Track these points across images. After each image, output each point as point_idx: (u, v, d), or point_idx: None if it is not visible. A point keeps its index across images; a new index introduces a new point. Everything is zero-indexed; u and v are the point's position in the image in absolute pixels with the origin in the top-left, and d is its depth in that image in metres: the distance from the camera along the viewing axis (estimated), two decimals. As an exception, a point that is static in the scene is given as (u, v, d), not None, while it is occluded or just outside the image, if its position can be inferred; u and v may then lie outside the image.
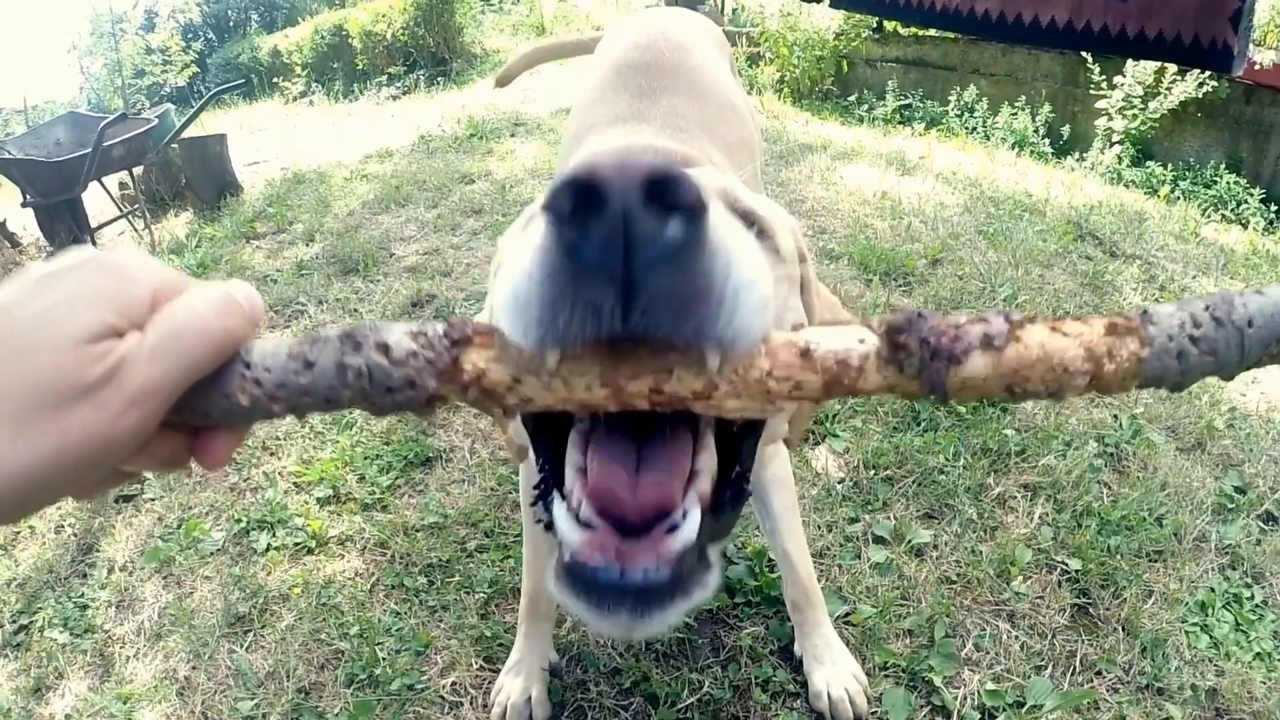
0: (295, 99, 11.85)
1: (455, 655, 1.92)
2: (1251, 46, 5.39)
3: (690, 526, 0.62)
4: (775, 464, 1.74)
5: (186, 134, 6.61)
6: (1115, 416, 2.69)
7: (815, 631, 1.80)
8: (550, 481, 0.71)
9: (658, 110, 1.69)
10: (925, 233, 3.93)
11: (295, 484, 2.53)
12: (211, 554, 2.31)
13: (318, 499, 2.44)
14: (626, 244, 0.48)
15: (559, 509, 0.64)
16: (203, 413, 0.55)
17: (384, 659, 1.92)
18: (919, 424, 2.59)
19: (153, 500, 2.59)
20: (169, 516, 2.49)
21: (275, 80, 12.69)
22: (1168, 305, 0.56)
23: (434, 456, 2.57)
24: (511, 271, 0.54)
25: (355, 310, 3.47)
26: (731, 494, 0.71)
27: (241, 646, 2.01)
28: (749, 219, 0.83)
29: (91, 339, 0.48)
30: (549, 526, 0.67)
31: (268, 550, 2.29)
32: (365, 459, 2.56)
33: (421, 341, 0.55)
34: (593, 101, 1.86)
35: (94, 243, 5.85)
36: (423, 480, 2.49)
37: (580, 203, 0.49)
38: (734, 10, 9.31)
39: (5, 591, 2.32)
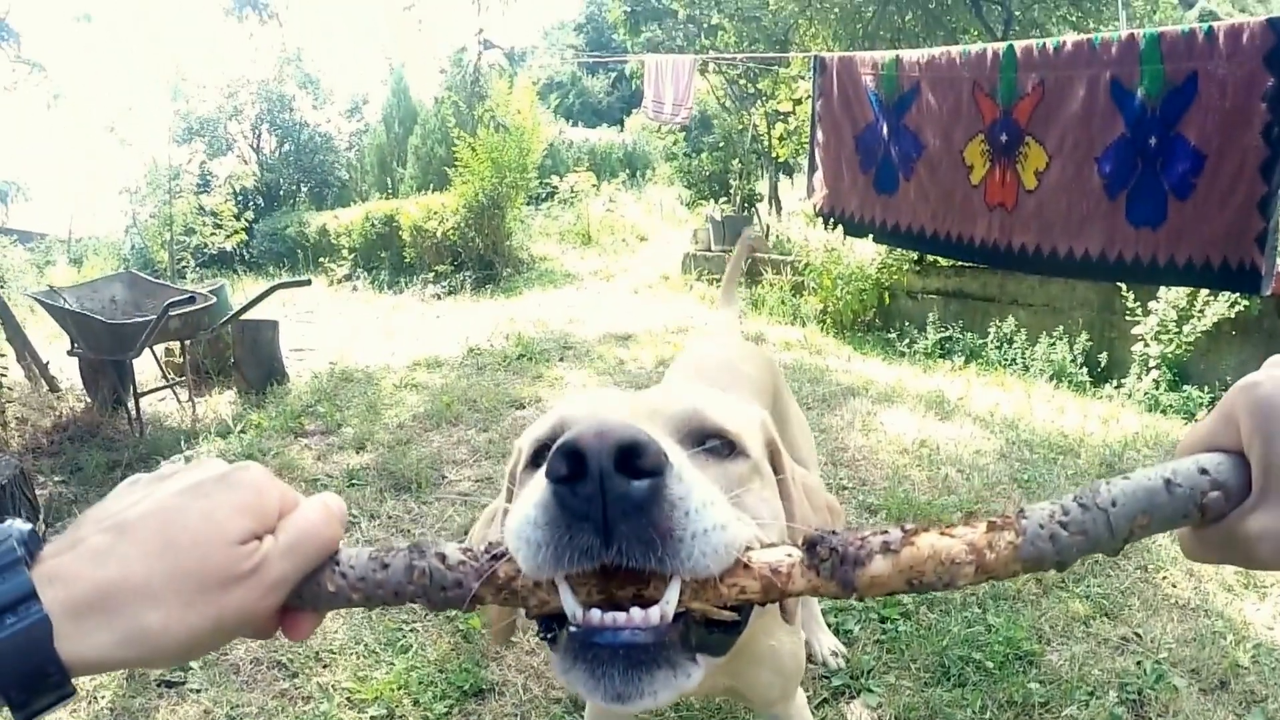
0: (340, 281, 12.40)
1: None
2: (1278, 263, 5.62)
3: (671, 596, 0.76)
4: (794, 712, 1.77)
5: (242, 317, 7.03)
6: (1139, 663, 2.89)
7: None
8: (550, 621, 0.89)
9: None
10: (961, 484, 4.22)
11: (349, 699, 2.73)
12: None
13: (371, 718, 2.64)
14: (604, 499, 0.71)
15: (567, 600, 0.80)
16: (298, 595, 0.76)
17: None
18: (949, 679, 2.81)
19: (198, 692, 2.78)
20: (216, 711, 2.68)
21: (321, 260, 13.29)
22: (1042, 503, 0.72)
23: (487, 689, 2.78)
24: (521, 515, 0.76)
25: (408, 531, 3.75)
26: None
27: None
28: (718, 435, 1.02)
29: (243, 541, 0.69)
30: (548, 629, 0.87)
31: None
32: (420, 684, 2.77)
33: (469, 555, 0.78)
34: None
35: (137, 405, 6.06)
36: (476, 711, 2.69)
37: (570, 467, 0.72)
38: (778, 238, 9.84)
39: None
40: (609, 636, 0.76)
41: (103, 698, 2.76)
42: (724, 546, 0.74)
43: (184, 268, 12.92)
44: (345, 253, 13.25)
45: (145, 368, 6.67)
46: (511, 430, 4.75)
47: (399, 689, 2.77)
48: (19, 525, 0.67)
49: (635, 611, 0.76)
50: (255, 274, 11.77)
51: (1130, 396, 6.58)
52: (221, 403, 6.64)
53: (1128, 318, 6.89)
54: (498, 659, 2.91)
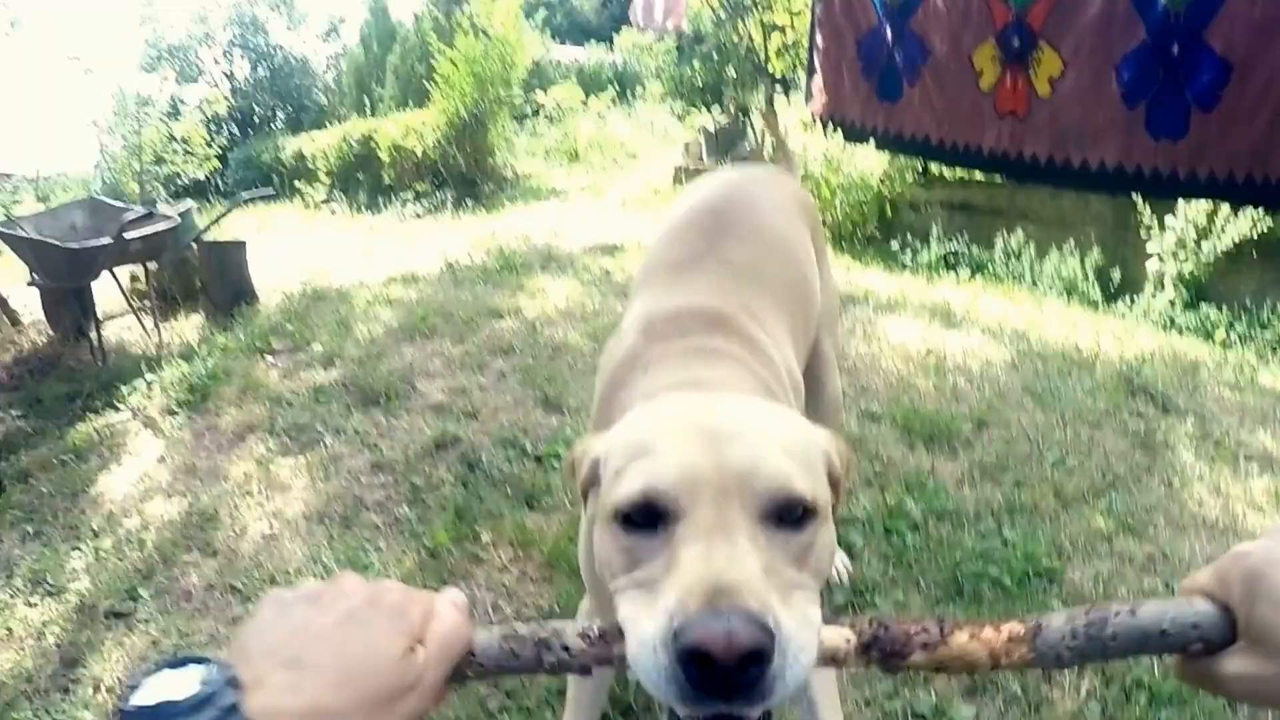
0: (317, 205, 12.21)
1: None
2: None
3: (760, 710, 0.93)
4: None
5: (206, 236, 6.83)
6: (1167, 584, 2.75)
7: None
8: None
9: (708, 262, 1.95)
10: (970, 392, 4.05)
11: None
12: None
13: None
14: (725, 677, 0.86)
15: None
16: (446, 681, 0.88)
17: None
18: (962, 596, 2.65)
19: (147, 621, 2.67)
20: (164, 641, 2.56)
21: (297, 184, 13.08)
22: (1059, 618, 0.87)
23: None
24: (649, 664, 0.90)
25: (375, 445, 3.59)
26: None
27: None
28: (800, 504, 1.07)
29: (403, 658, 0.80)
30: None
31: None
32: None
33: (588, 642, 0.91)
34: (663, 243, 2.12)
35: (99, 334, 5.97)
36: None
37: (699, 662, 0.86)
38: (774, 149, 9.59)
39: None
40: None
41: (50, 633, 2.66)
42: (804, 679, 0.91)
43: (155, 198, 12.65)
44: (322, 176, 13.04)
45: (111, 296, 6.53)
46: (488, 343, 4.60)
47: (360, 610, 2.59)
48: (222, 665, 0.74)
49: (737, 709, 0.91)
50: (237, 207, 11.52)
51: (1145, 314, 6.46)
52: (188, 327, 6.53)
53: (1143, 234, 6.73)
54: (466, 576, 2.76)
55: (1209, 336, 6.01)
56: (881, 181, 8.04)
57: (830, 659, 0.92)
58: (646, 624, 0.93)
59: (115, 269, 6.31)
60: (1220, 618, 0.83)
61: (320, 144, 13.61)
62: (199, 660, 0.74)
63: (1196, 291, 6.54)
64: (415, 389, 4.11)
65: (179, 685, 0.72)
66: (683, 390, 1.47)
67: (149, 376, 4.66)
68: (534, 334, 4.72)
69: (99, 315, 6.16)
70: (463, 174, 11.10)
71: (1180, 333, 6.04)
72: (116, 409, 4.49)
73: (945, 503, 3.12)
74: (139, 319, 6.55)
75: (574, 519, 2.86)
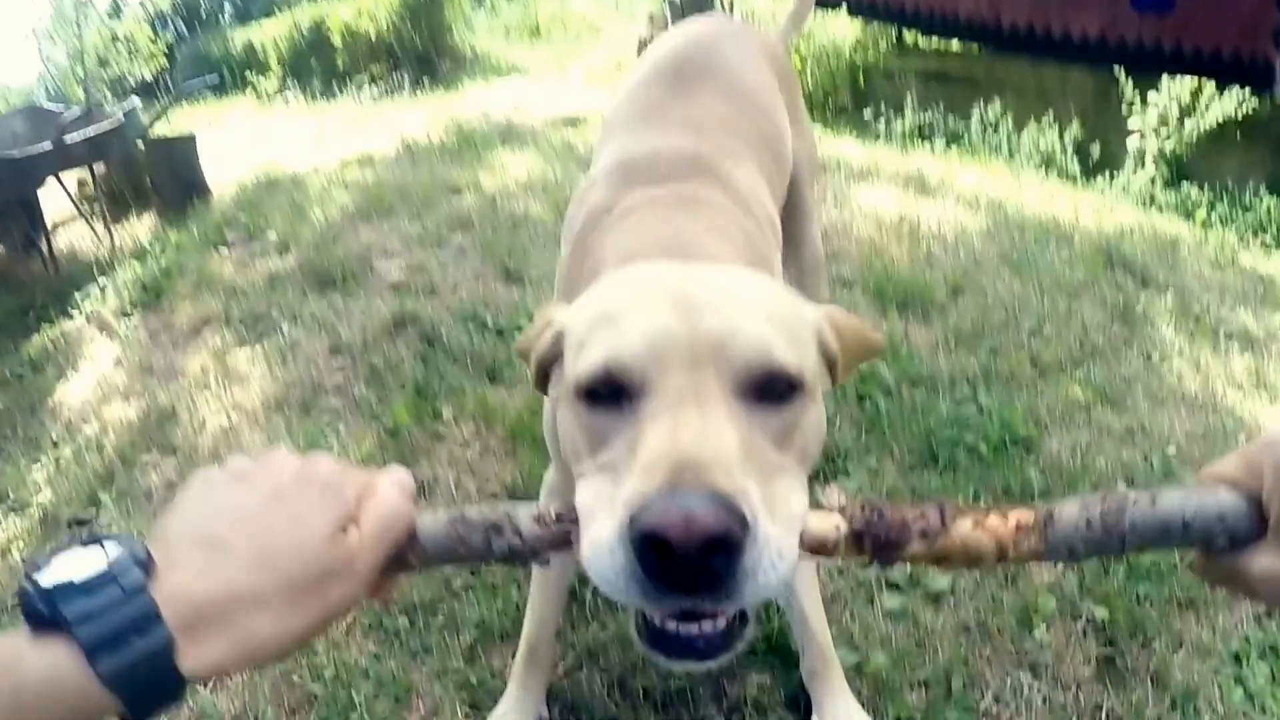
0: (270, 97, 11.85)
1: (438, 701, 1.93)
2: None
3: (733, 610, 0.90)
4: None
5: (153, 133, 6.61)
6: (1145, 457, 2.73)
7: (835, 699, 1.81)
8: None
9: (678, 108, 1.89)
10: (945, 259, 3.98)
11: None
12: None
13: None
14: (689, 572, 0.79)
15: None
16: (384, 571, 0.82)
17: (361, 704, 1.92)
18: (936, 463, 2.62)
19: (109, 526, 2.62)
20: None
21: (248, 76, 12.70)
22: (1072, 506, 0.81)
23: (417, 487, 2.57)
24: (604, 560, 0.83)
25: (333, 328, 3.50)
26: None
27: (205, 687, 2.00)
28: (783, 376, 0.99)
29: (332, 539, 0.75)
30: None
31: (237, 584, 2.30)
32: None
33: (542, 526, 0.84)
34: (631, 94, 2.05)
35: (49, 243, 5.85)
36: None
37: (656, 553, 0.78)
38: (743, 17, 9.34)
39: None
40: (684, 642, 0.89)
41: (15, 549, 2.67)
42: (784, 579, 0.83)
43: (103, 102, 12.25)
44: (274, 66, 12.61)
45: (60, 205, 6.39)
46: (447, 219, 4.50)
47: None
48: (133, 543, 0.71)
49: (705, 625, 0.89)
50: (182, 102, 11.17)
51: (1124, 191, 6.39)
52: (141, 228, 6.34)
53: (1125, 109, 6.63)
54: (428, 454, 2.70)
55: (1189, 216, 5.95)
56: (854, 50, 7.84)
57: (818, 549, 0.85)
58: (603, 522, 0.86)
59: (61, 175, 6.11)
60: (1248, 510, 0.77)
61: (270, 33, 13.13)
62: (112, 539, 0.71)
63: (1178, 170, 6.48)
64: (372, 269, 4.03)
65: (84, 565, 0.68)
66: (661, 249, 1.40)
67: (102, 280, 4.59)
68: (494, 208, 4.63)
69: (48, 224, 6.01)
70: (419, 54, 10.74)
71: (1160, 210, 5.97)
72: (70, 317, 4.41)
73: (919, 369, 3.07)
74: (89, 224, 6.35)
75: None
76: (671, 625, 0.89)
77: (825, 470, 2.56)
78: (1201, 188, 6.31)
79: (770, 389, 0.98)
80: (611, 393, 0.98)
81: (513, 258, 3.95)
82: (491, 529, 0.83)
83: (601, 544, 0.84)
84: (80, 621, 0.64)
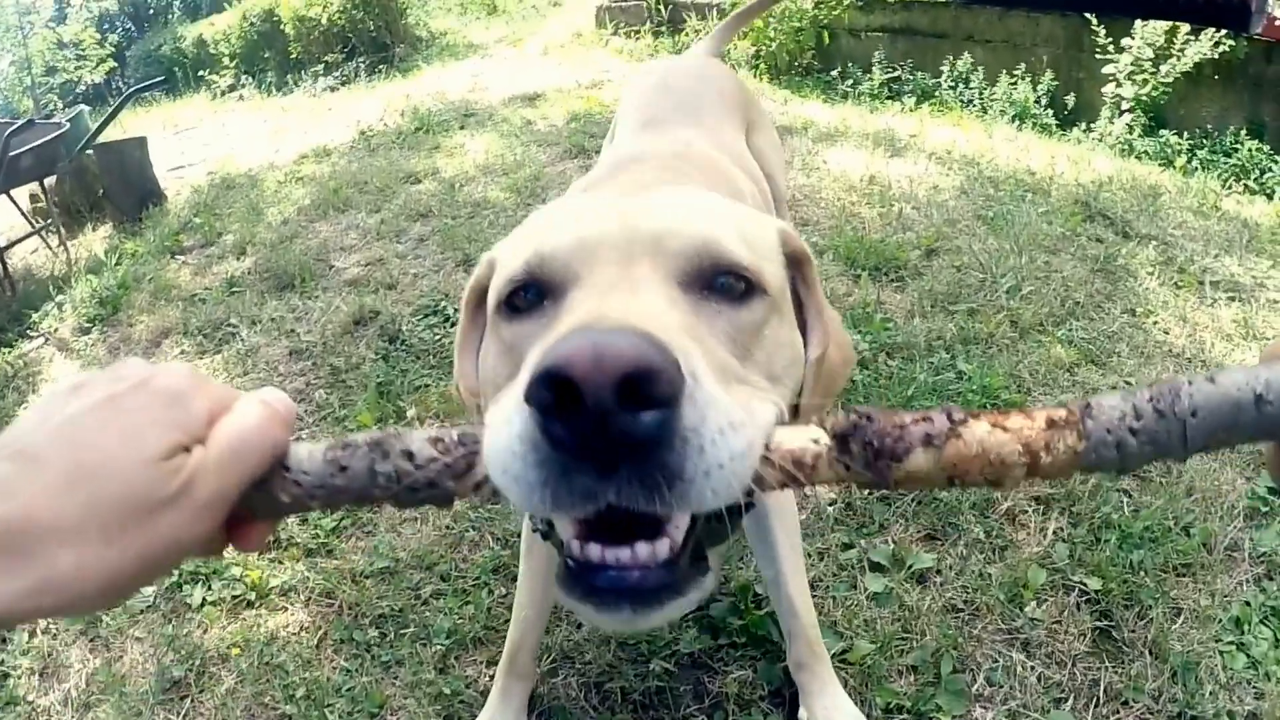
0: (224, 94, 11.74)
1: (413, 715, 1.90)
2: (1271, 1, 5.37)
3: (678, 528, 0.73)
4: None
5: (104, 138, 6.49)
6: (1134, 417, 2.69)
7: (824, 691, 1.77)
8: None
9: (681, 121, 2.05)
10: (918, 220, 3.94)
11: None
12: (141, 612, 2.28)
13: None
14: (605, 432, 0.61)
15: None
16: (247, 505, 0.69)
17: (334, 723, 1.88)
18: (917, 434, 2.58)
19: None
20: None
21: (201, 74, 12.57)
22: (1112, 396, 0.65)
23: None
24: (504, 446, 0.66)
25: (292, 331, 3.44)
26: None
27: (178, 714, 1.98)
28: (732, 271, 0.91)
29: (166, 457, 0.62)
30: (547, 536, 0.85)
31: (203, 605, 2.26)
32: None
33: (440, 448, 0.68)
34: (632, 110, 2.24)
35: (4, 264, 5.73)
36: (370, 520, 2.46)
37: (560, 396, 0.61)
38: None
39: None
40: (614, 577, 0.71)
41: None
42: (740, 478, 0.66)
43: (51, 111, 12.10)
44: (226, 61, 12.49)
45: (13, 223, 6.29)
46: (405, 210, 4.47)
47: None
48: None
49: (641, 548, 0.71)
50: (134, 105, 11.01)
51: (1101, 140, 6.38)
52: (96, 239, 6.25)
53: (1098, 56, 6.59)
54: None
55: (1169, 163, 5.93)
56: (817, 7, 7.71)
57: (795, 471, 0.68)
58: (508, 401, 0.70)
59: (11, 191, 5.99)
60: None
61: (220, 27, 13.02)
62: None
63: (1155, 117, 6.46)
64: (330, 266, 3.99)
65: None
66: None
67: (58, 297, 4.50)
68: (452, 194, 4.60)
69: (1, 244, 5.87)
70: (373, 39, 10.64)
71: (1139, 159, 5.93)
72: (29, 338, 4.32)
73: (894, 336, 3.03)
74: (44, 240, 6.27)
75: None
76: (595, 552, 0.72)
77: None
78: (1180, 134, 6.28)
79: (720, 286, 0.90)
80: (536, 295, 0.91)
81: (473, 244, 3.91)
82: (376, 451, 0.69)
83: (499, 420, 0.68)
84: None
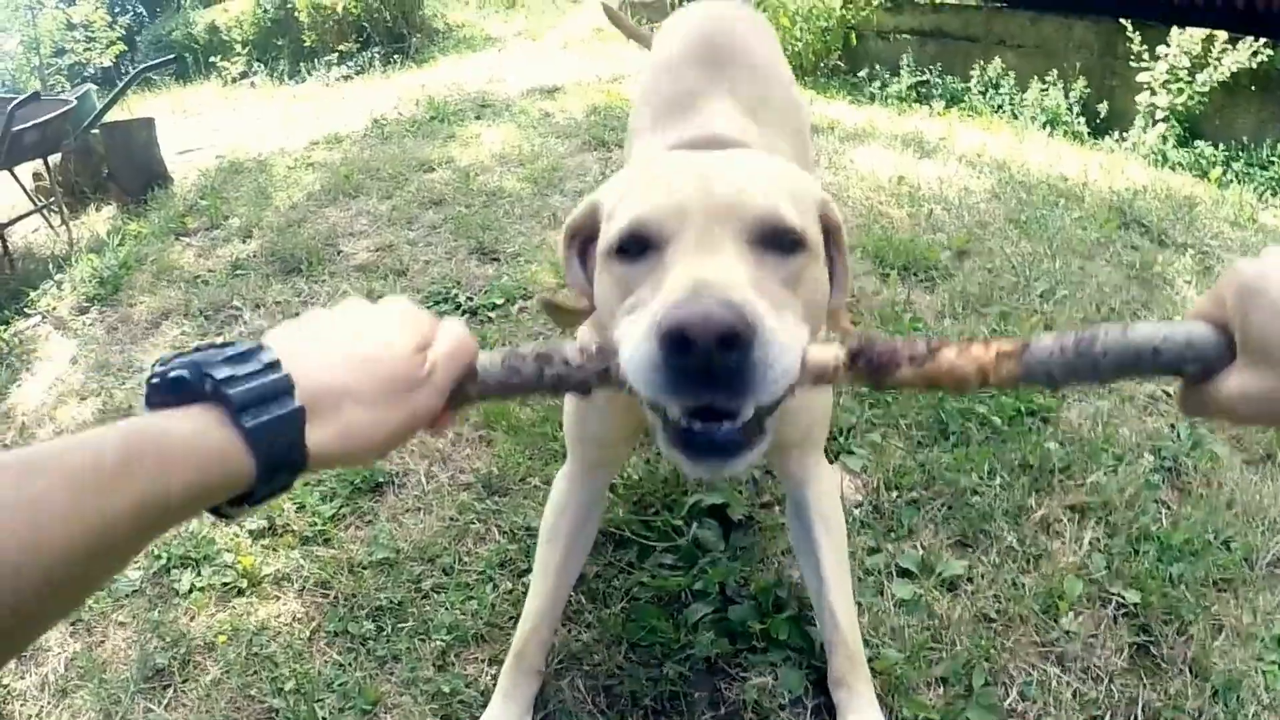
0: (235, 80, 11.75)
1: (408, 714, 1.84)
2: None
3: (748, 409, 1.02)
4: (821, 490, 1.82)
5: (111, 118, 6.47)
6: (1172, 426, 2.63)
7: (861, 713, 1.70)
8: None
9: (722, 88, 2.03)
10: (949, 221, 3.88)
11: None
12: (127, 596, 2.23)
13: (249, 531, 2.36)
14: (707, 365, 0.94)
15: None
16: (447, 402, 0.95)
17: (325, 718, 1.83)
18: (948, 438, 2.52)
19: None
20: None
21: (213, 60, 12.57)
22: (1047, 338, 0.90)
23: (384, 482, 2.49)
24: (639, 359, 0.97)
25: (297, 315, 3.38)
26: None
27: (159, 705, 1.92)
28: (789, 234, 1.18)
29: (416, 352, 0.89)
30: (654, 407, 1.09)
31: (191, 591, 2.21)
32: (305, 485, 2.47)
33: (585, 356, 0.97)
34: (661, 81, 2.18)
35: (4, 242, 5.73)
36: (371, 509, 2.41)
37: (678, 345, 0.93)
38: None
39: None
40: (705, 435, 1.04)
41: None
42: (791, 378, 0.97)
43: (59, 91, 12.12)
44: (238, 48, 12.49)
45: (15, 200, 6.22)
46: (417, 196, 4.42)
47: (279, 494, 2.44)
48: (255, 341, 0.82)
49: (726, 424, 1.03)
50: (142, 87, 11.05)
51: (1134, 149, 6.33)
52: (99, 220, 6.24)
53: (1132, 63, 6.55)
54: (396, 448, 2.57)
55: (1204, 175, 5.87)
56: (845, 7, 7.71)
57: (819, 376, 0.98)
58: (638, 328, 1.01)
59: (15, 168, 5.93)
60: (1217, 338, 0.84)
61: (233, 13, 13.03)
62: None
63: (1190, 127, 6.40)
64: (339, 252, 3.95)
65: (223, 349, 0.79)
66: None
67: (58, 276, 4.47)
68: (467, 182, 4.55)
69: (2, 221, 5.85)
70: (389, 29, 10.65)
71: (1173, 169, 5.88)
72: (27, 316, 4.27)
73: (925, 336, 2.95)
74: (46, 218, 6.24)
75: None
76: (695, 425, 1.04)
77: (829, 450, 2.45)
78: (1216, 145, 6.23)
79: (776, 242, 1.17)
80: (639, 248, 1.18)
81: (487, 233, 3.88)
82: (542, 359, 0.96)
83: (635, 341, 0.99)
84: (228, 383, 0.74)
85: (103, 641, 2.12)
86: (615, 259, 1.21)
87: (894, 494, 2.32)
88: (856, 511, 2.25)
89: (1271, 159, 5.96)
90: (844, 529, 1.82)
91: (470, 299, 3.37)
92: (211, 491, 0.73)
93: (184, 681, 1.97)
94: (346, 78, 9.78)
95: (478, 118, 5.90)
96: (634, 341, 0.99)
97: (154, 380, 0.77)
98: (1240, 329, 0.81)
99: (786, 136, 2.08)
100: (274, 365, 0.78)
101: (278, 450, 0.76)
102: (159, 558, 2.29)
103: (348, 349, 0.85)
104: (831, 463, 2.41)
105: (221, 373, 0.75)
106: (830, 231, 1.34)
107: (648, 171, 1.31)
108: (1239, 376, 0.82)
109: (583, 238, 1.39)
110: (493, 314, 3.23)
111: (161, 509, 0.68)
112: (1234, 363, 0.83)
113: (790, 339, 1.00)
